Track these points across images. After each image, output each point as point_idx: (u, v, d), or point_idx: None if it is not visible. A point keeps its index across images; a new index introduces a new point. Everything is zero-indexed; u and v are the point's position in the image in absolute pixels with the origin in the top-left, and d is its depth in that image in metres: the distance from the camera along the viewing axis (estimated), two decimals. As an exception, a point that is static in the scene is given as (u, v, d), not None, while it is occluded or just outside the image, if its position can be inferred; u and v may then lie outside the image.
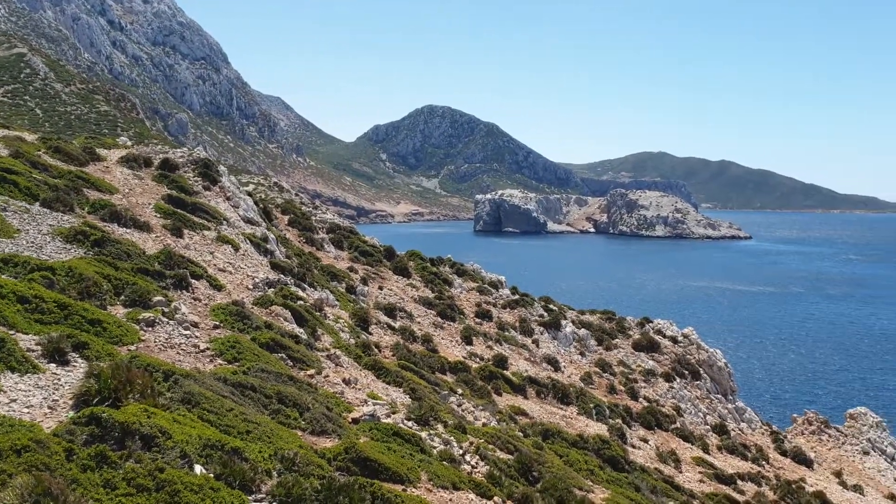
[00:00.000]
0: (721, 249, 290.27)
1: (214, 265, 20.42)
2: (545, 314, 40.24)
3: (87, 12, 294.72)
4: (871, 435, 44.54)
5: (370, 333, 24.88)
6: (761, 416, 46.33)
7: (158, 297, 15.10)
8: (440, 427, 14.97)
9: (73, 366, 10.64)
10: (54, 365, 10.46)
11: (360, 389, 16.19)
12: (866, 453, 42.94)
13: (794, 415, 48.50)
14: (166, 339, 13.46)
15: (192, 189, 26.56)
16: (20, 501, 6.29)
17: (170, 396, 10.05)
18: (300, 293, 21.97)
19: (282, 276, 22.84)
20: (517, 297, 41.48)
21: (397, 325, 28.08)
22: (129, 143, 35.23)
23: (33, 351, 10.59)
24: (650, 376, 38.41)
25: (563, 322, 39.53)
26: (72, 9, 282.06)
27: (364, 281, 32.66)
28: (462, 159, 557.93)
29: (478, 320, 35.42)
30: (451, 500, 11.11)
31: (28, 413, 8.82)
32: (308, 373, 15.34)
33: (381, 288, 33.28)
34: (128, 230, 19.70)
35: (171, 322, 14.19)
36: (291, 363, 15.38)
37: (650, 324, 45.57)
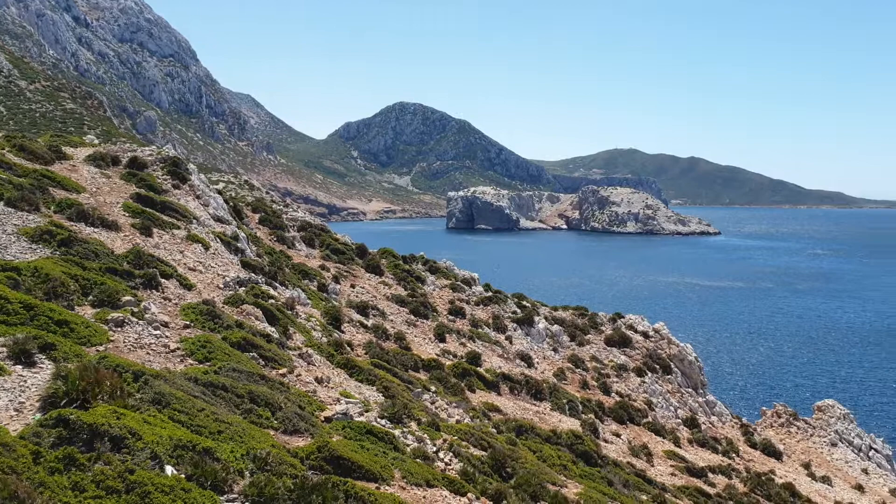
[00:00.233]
0: (691, 245, 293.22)
1: (185, 264, 20.21)
2: (518, 311, 40.37)
3: (51, 8, 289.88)
4: (838, 427, 45.29)
5: (342, 332, 24.79)
6: (731, 410, 46.93)
7: (128, 297, 14.91)
8: (413, 425, 14.97)
9: (40, 367, 10.47)
10: (20, 367, 10.28)
11: (332, 388, 16.12)
12: (834, 445, 43.66)
13: (764, 408, 49.19)
14: (136, 340, 13.30)
15: (161, 188, 26.26)
16: (-14, 506, 6.18)
17: (140, 397, 9.93)
18: (271, 292, 21.83)
19: (253, 274, 22.67)
20: (490, 294, 41.57)
21: (370, 323, 28.01)
22: (97, 142, 34.74)
23: (-1, 353, 10.41)
24: (622, 371, 38.71)
25: (536, 318, 39.69)
26: (36, 5, 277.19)
27: (336, 279, 32.53)
28: (434, 156, 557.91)
29: (451, 317, 35.44)
30: (424, 497, 11.11)
31: (-6, 416, 8.67)
32: (280, 372, 15.25)
33: (353, 286, 33.17)
34: (96, 229, 19.42)
35: (141, 322, 14.02)
36: (263, 362, 15.27)
37: (622, 319, 45.91)
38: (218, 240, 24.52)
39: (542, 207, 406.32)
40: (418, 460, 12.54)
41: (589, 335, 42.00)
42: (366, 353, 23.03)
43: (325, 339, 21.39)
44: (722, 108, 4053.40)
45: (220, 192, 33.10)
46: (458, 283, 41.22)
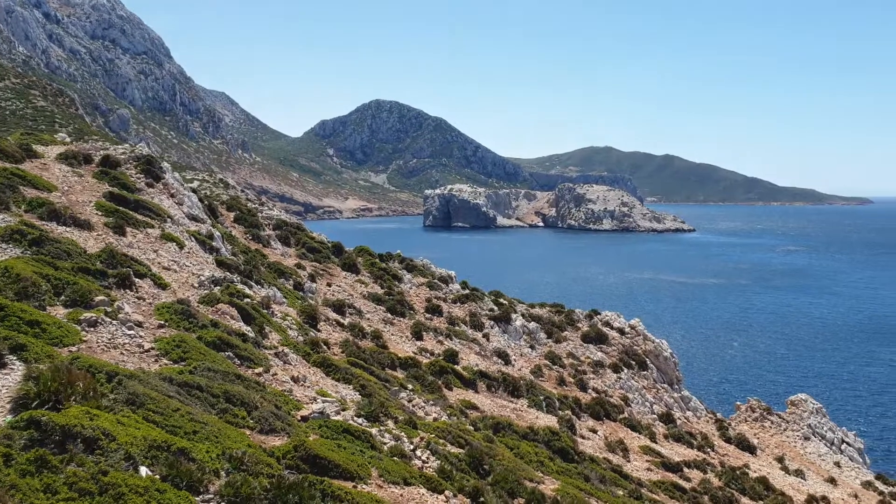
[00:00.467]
0: (666, 242, 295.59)
1: (159, 263, 20.03)
2: (495, 308, 40.46)
3: (21, 4, 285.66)
4: (811, 421, 45.89)
5: (319, 330, 24.70)
6: (706, 405, 47.37)
7: (101, 297, 14.75)
8: (390, 423, 14.96)
9: (11, 368, 10.32)
10: (-9, 368, 10.14)
11: (309, 387, 16.06)
12: (807, 439, 44.24)
13: (738, 402, 49.72)
14: (109, 340, 13.15)
15: (134, 186, 25.99)
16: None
17: (113, 398, 9.83)
18: (247, 291, 21.69)
19: (228, 273, 22.52)
20: (467, 291, 41.63)
21: (346, 321, 27.94)
22: (68, 140, 34.31)
23: (-32, 354, 10.25)
24: (598, 367, 38.95)
25: (514, 316, 39.81)
26: (5, 1, 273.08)
27: (312, 278, 32.41)
28: (410, 154, 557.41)
29: (428, 315, 35.43)
30: (401, 495, 11.11)
31: (-37, 418, 8.54)
32: (256, 371, 15.17)
33: (329, 284, 33.06)
34: (67, 228, 19.18)
35: (115, 322, 13.87)
36: (239, 362, 15.18)
37: (598, 316, 46.18)
38: (193, 239, 24.32)
39: (519, 205, 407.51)
40: (395, 458, 12.54)
41: (566, 332, 42.20)
42: (342, 352, 22.97)
43: (301, 338, 21.30)
44: (696, 105, 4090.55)
45: (194, 191, 32.84)
46: (436, 281, 41.23)
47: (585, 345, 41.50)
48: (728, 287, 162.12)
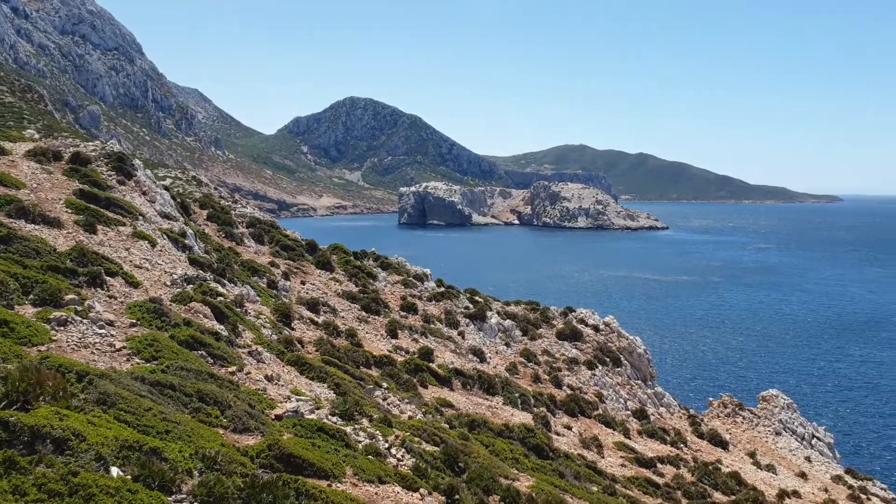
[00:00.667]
0: (640, 240, 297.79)
1: (130, 262, 19.81)
2: (471, 306, 40.51)
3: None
4: (782, 416, 46.50)
5: (293, 329, 24.59)
6: (679, 401, 47.83)
7: (71, 296, 14.57)
8: (365, 421, 14.92)
9: (-21, 369, 10.16)
10: (-43, 368, 9.96)
11: (282, 386, 15.98)
12: (778, 434, 44.81)
13: (711, 398, 50.23)
14: (80, 339, 12.99)
15: (105, 184, 25.68)
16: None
17: (84, 398, 9.70)
18: (220, 289, 21.53)
19: (201, 271, 22.33)
20: (443, 289, 41.64)
21: (320, 319, 27.83)
22: (37, 136, 33.82)
23: (-66, 354, 10.07)
24: (573, 364, 39.15)
25: (489, 313, 39.89)
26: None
27: (286, 276, 32.24)
28: (385, 151, 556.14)
29: (403, 313, 35.40)
30: (376, 493, 11.08)
31: (-71, 419, 8.38)
32: (229, 370, 15.06)
33: (303, 283, 32.91)
34: (36, 226, 18.91)
35: (85, 321, 13.70)
36: (212, 360, 15.06)
37: (573, 313, 46.41)
38: (165, 237, 24.09)
39: (495, 203, 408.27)
40: (370, 457, 12.51)
41: (541, 329, 42.37)
42: (317, 351, 22.87)
43: (275, 337, 21.19)
44: (670, 104, 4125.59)
45: (167, 189, 32.52)
46: (411, 278, 41.19)
47: (560, 342, 41.69)
48: (701, 284, 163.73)
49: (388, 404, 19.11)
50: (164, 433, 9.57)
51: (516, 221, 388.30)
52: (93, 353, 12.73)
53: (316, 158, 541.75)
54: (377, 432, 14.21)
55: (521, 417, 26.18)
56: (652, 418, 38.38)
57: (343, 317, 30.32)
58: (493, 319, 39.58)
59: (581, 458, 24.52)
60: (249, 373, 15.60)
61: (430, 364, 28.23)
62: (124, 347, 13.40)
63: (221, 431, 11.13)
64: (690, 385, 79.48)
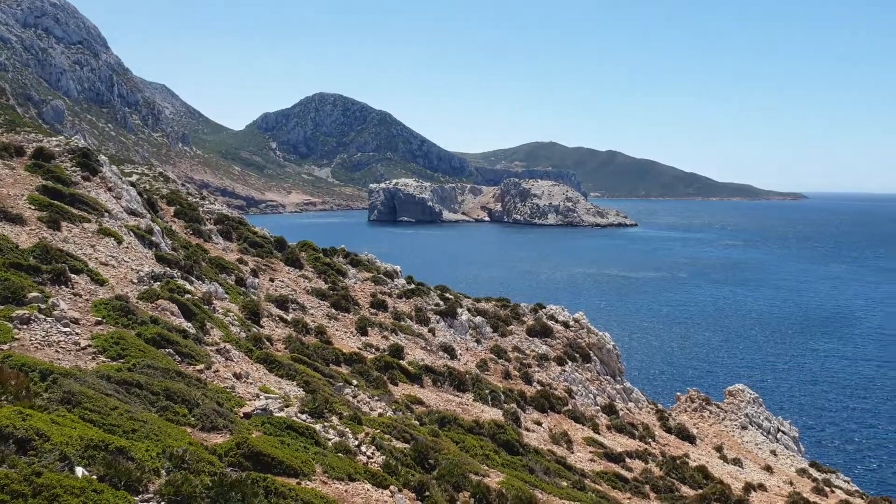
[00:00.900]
0: (609, 237, 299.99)
1: (96, 259, 19.53)
2: (441, 303, 40.53)
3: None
4: (748, 410, 47.17)
5: (262, 326, 24.42)
6: (648, 396, 48.29)
7: (34, 294, 14.33)
8: (335, 419, 14.88)
9: (-61, 368, 9.96)
10: (-84, 368, 9.75)
11: (251, 383, 15.87)
12: (744, 428, 45.45)
13: (678, 393, 50.81)
14: (43, 337, 12.79)
15: (70, 180, 25.28)
16: None
17: (48, 397, 9.56)
18: (188, 286, 21.31)
19: (168, 269, 22.08)
20: (413, 286, 41.59)
21: (290, 317, 27.66)
22: None
23: None
24: (543, 361, 39.34)
25: (459, 310, 39.93)
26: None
27: (254, 273, 32.00)
28: (355, 148, 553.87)
29: (373, 311, 35.31)
30: (346, 491, 11.05)
31: None
32: (197, 368, 14.92)
33: (272, 280, 32.68)
34: (-1, 223, 18.57)
35: (49, 319, 13.49)
36: (179, 359, 14.91)
37: (543, 310, 46.63)
38: (131, 233, 23.78)
39: (465, 200, 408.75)
40: (340, 454, 12.47)
41: (511, 326, 42.52)
42: (286, 348, 22.74)
43: (243, 334, 21.02)
44: (639, 102, 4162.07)
45: (133, 185, 32.08)
46: (381, 275, 41.10)
47: (531, 338, 41.87)
48: (669, 281, 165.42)
49: (358, 402, 19.06)
50: (130, 432, 9.46)
51: (487, 218, 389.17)
52: (57, 351, 12.55)
53: (285, 154, 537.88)
54: (347, 430, 14.17)
55: (491, 414, 26.26)
56: (621, 413, 38.72)
57: (312, 314, 30.17)
58: (464, 316, 39.64)
59: (551, 453, 24.67)
60: (218, 371, 15.47)
61: (401, 361, 28.21)
62: (90, 346, 13.22)
63: (189, 430, 11.02)
64: (658, 380, 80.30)
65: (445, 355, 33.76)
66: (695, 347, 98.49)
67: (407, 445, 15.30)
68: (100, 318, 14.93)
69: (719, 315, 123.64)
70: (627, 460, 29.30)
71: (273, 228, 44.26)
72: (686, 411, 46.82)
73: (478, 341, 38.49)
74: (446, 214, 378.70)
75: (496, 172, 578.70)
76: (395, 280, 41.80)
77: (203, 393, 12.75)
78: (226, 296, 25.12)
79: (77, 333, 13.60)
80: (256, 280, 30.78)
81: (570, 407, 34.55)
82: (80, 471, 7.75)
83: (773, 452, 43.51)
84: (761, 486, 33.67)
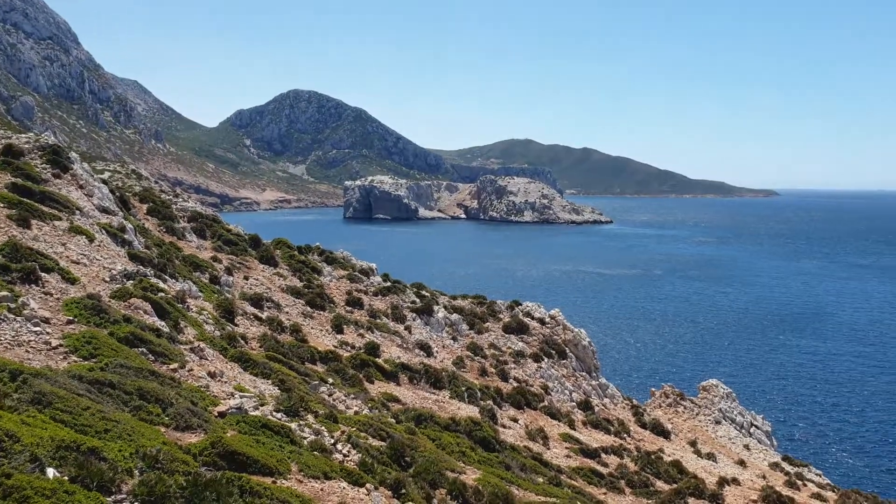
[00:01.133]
0: (585, 234, 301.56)
1: (67, 257, 19.27)
2: (417, 300, 40.50)
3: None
4: (721, 405, 47.64)
5: (236, 325, 24.25)
6: (623, 392, 48.61)
7: (3, 293, 14.12)
8: (310, 417, 14.82)
9: None
10: None
11: (226, 382, 15.76)
12: (718, 423, 45.91)
13: (653, 389, 51.18)
14: (13, 337, 12.61)
15: (40, 177, 24.92)
16: None
17: (18, 397, 9.43)
18: (161, 285, 21.11)
19: (141, 267, 21.85)
20: (389, 284, 41.52)
21: (264, 315, 27.50)
22: (-33, 128, 32.61)
23: None
24: (519, 357, 39.46)
25: (436, 308, 39.92)
26: None
27: (229, 271, 31.77)
28: (330, 145, 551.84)
29: (349, 308, 35.21)
30: (322, 489, 11.02)
31: None
32: (171, 367, 14.79)
33: (246, 278, 32.47)
34: (-33, 221, 18.27)
35: (19, 318, 13.30)
36: (153, 358, 14.77)
37: (519, 307, 46.75)
38: (103, 231, 23.50)
39: (441, 197, 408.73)
40: (315, 453, 12.43)
41: (487, 323, 42.59)
42: (261, 347, 22.61)
43: (218, 333, 20.87)
44: (613, 99, 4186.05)
45: (105, 182, 31.70)
46: (356, 273, 40.98)
47: (507, 335, 41.98)
48: (643, 277, 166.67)
49: (334, 400, 19.00)
50: (102, 432, 9.36)
51: (463, 215, 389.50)
52: (27, 351, 12.38)
53: (259, 152, 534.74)
54: (323, 428, 14.12)
55: (467, 411, 26.30)
56: (596, 409, 38.94)
57: (287, 312, 30.02)
58: (440, 314, 39.64)
59: (527, 450, 24.76)
60: (192, 370, 15.35)
61: (377, 359, 28.15)
62: (61, 345, 13.05)
63: (163, 429, 10.93)
64: (633, 376, 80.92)
65: (422, 353, 33.75)
66: (669, 343, 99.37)
67: (383, 443, 15.28)
68: (71, 318, 14.75)
69: (693, 311, 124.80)
70: (603, 456, 29.48)
71: (247, 226, 43.98)
72: (661, 406, 47.19)
73: (454, 339, 38.52)
74: (422, 212, 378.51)
75: (472, 169, 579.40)
76: (371, 278, 41.70)
77: (177, 392, 12.64)
78: (200, 294, 24.92)
79: (48, 333, 13.43)
80: (231, 278, 30.57)
81: (546, 403, 34.68)
82: (51, 472, 7.65)
83: (747, 447, 43.99)
84: (735, 481, 34.02)
